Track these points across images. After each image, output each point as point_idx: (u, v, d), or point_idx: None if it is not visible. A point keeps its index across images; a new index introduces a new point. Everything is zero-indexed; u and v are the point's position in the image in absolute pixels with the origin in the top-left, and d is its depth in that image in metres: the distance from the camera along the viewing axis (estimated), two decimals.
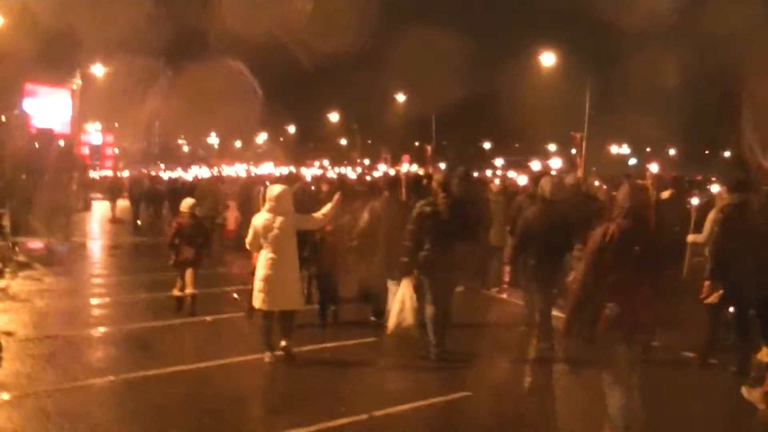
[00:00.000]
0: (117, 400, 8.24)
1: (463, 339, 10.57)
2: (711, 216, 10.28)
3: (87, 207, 36.87)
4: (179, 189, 26.91)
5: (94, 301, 13.55)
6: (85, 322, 11.82)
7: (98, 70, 48.09)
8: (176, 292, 12.39)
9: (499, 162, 41.23)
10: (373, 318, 11.66)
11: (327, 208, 10.07)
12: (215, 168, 38.07)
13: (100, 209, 36.79)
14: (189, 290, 12.26)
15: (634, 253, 6.36)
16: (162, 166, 45.21)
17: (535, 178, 13.99)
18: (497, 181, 20.03)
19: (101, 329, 11.32)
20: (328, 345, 10.46)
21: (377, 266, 11.33)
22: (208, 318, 11.81)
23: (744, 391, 8.37)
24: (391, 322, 10.08)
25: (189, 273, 12.37)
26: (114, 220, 32.36)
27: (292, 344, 9.72)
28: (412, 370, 9.56)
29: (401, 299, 10.00)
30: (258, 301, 9.62)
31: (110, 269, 18.40)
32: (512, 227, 12.68)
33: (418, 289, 9.99)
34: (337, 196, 10.26)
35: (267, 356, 9.59)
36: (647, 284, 6.40)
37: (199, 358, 9.62)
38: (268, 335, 9.71)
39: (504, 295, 14.52)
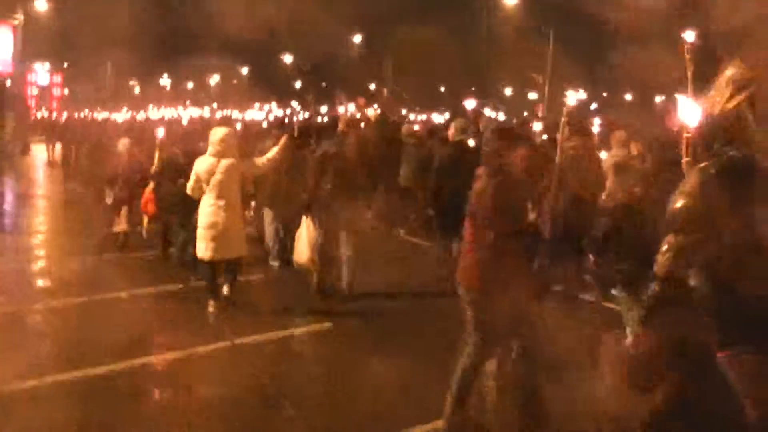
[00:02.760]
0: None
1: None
2: None
3: (25, 151, 35.50)
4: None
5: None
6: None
7: (42, 4, 46.15)
8: (115, 229, 12.97)
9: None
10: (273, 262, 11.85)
11: (273, 152, 9.75)
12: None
13: (40, 153, 35.44)
14: (122, 227, 12.91)
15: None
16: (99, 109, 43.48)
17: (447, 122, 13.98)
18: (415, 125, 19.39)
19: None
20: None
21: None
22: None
23: None
24: (294, 258, 10.29)
25: (123, 211, 12.91)
26: (51, 164, 31.21)
27: (235, 292, 9.71)
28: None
29: (298, 236, 10.07)
30: (201, 250, 9.24)
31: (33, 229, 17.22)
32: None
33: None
34: (283, 140, 9.93)
35: (211, 305, 9.44)
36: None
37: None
38: (212, 283, 9.45)
39: (415, 238, 14.18)
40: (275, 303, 10.10)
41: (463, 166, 9.94)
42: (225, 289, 9.62)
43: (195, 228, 9.62)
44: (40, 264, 12.56)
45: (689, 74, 4.57)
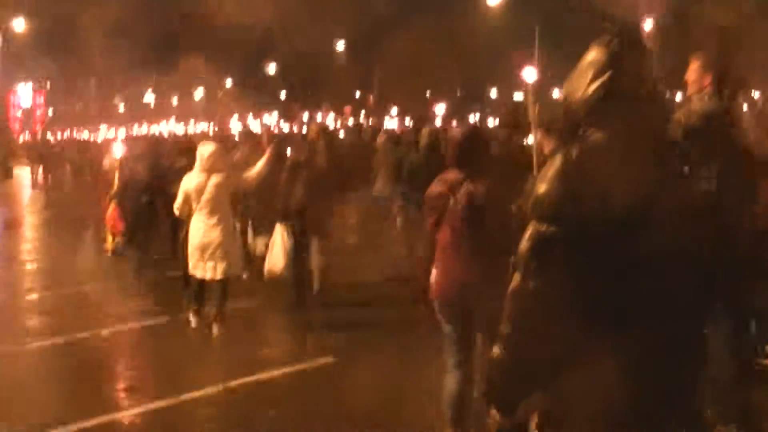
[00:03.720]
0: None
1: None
2: None
3: (7, 175, 34.94)
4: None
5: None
6: None
7: (20, 24, 45.71)
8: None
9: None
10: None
11: (260, 164, 9.43)
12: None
13: (24, 176, 34.97)
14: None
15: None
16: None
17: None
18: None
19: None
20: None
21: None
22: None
23: None
24: (265, 268, 10.04)
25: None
26: (36, 187, 30.88)
27: (226, 318, 9.11)
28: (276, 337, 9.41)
29: (272, 245, 9.92)
30: (194, 269, 8.97)
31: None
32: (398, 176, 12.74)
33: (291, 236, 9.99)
34: (269, 151, 9.71)
35: (193, 320, 9.15)
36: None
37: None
38: (198, 298, 9.15)
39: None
40: (269, 334, 9.50)
41: (433, 172, 10.14)
42: (215, 313, 9.11)
43: (184, 246, 9.32)
44: (17, 298, 11.55)
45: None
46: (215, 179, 8.91)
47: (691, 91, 5.55)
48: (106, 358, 8.62)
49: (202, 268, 8.94)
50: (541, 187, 2.74)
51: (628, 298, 2.63)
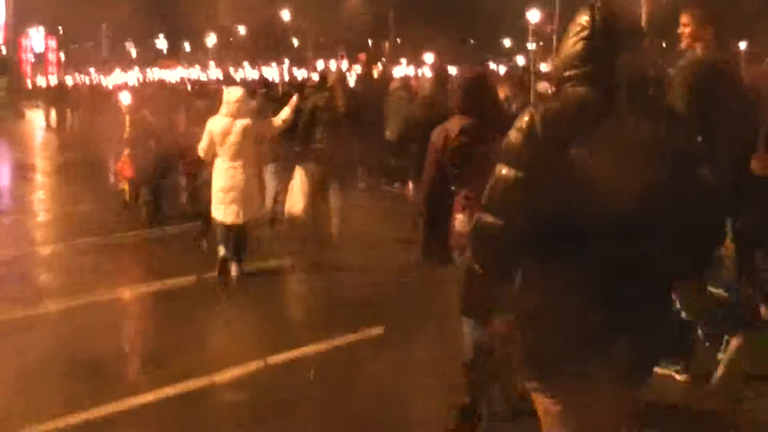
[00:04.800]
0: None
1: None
2: None
3: (20, 116, 35.03)
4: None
5: None
6: None
7: None
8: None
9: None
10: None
11: (285, 112, 9.53)
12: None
13: (35, 118, 35.02)
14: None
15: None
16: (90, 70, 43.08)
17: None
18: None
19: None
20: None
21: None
22: None
23: None
24: (285, 209, 10.13)
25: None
26: (48, 129, 30.92)
27: (244, 263, 9.06)
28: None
29: (291, 187, 9.99)
30: (221, 214, 8.96)
31: None
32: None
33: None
34: (293, 100, 9.78)
35: (234, 270, 8.96)
36: None
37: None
38: (227, 247, 8.98)
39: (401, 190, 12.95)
40: (308, 301, 8.76)
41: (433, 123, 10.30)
42: (234, 268, 8.96)
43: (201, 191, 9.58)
44: (32, 253, 10.72)
45: None
46: (241, 123, 8.96)
47: (687, 44, 5.65)
48: (123, 326, 7.85)
49: (223, 211, 8.97)
50: (512, 134, 2.90)
51: (584, 250, 2.76)
